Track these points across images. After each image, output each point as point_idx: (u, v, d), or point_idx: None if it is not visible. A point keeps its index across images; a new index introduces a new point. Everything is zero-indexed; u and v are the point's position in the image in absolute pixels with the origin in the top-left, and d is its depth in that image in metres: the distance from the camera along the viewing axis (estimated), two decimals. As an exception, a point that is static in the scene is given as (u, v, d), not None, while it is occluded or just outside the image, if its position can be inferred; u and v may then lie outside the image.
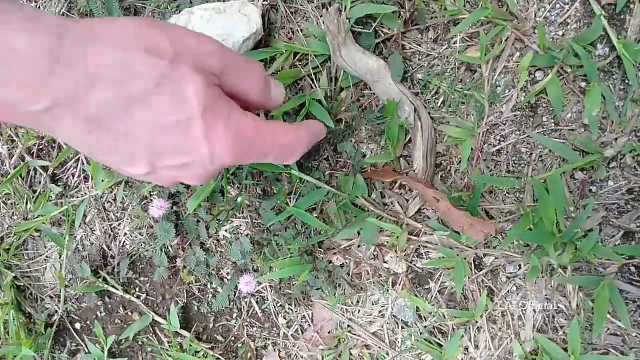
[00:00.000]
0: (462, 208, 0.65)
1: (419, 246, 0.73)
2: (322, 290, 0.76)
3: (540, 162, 0.69)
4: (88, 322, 0.91)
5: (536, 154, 0.69)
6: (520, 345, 0.70)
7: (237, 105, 0.35)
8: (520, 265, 0.70)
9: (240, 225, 0.80)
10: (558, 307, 0.69)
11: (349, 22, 0.69)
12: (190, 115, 0.30)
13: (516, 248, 0.70)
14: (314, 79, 0.74)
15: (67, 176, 0.87)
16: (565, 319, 0.69)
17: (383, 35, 0.72)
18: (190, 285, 0.84)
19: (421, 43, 0.72)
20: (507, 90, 0.69)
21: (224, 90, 0.34)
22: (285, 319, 0.80)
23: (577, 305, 0.68)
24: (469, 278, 0.71)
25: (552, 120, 0.68)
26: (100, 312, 0.89)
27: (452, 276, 0.71)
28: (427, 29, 0.72)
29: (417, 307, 0.73)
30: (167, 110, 0.29)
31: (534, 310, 0.70)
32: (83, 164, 0.85)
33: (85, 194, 0.86)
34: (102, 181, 0.80)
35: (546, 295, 0.70)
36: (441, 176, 0.72)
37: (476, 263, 0.72)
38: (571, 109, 0.67)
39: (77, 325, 0.92)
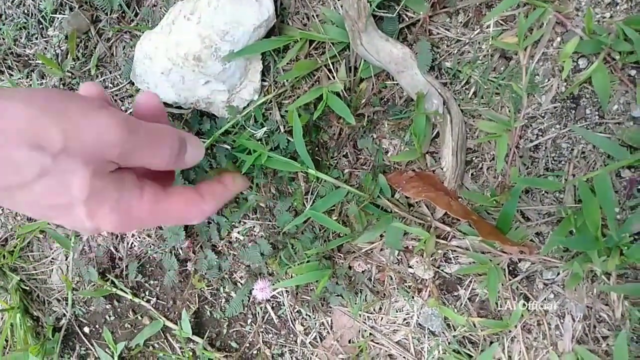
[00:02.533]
0: (493, 219, 0.60)
1: (448, 250, 0.67)
2: (342, 297, 0.71)
3: (582, 159, 0.63)
4: (97, 326, 0.88)
5: (578, 149, 0.63)
6: (558, 356, 0.64)
7: (134, 182, 0.35)
8: (558, 272, 0.65)
9: (254, 227, 0.75)
10: (600, 316, 0.64)
11: (370, 5, 0.62)
12: (72, 202, 0.31)
13: (555, 253, 0.64)
14: (332, 69, 0.68)
15: (70, 175, 0.82)
16: (608, 329, 0.63)
17: (407, 19, 0.66)
18: (202, 290, 0.79)
19: (450, 27, 0.65)
20: (547, 80, 0.63)
21: (124, 166, 0.34)
22: (303, 325, 0.75)
23: (622, 315, 0.62)
24: (502, 285, 0.65)
25: (597, 113, 0.62)
26: (109, 316, 0.86)
27: (484, 283, 0.66)
28: (456, 11, 0.65)
29: (445, 316, 0.68)
30: (49, 196, 0.31)
31: (573, 319, 0.64)
32: (86, 162, 0.80)
33: (90, 194, 0.81)
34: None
35: (587, 303, 0.64)
36: (472, 174, 0.66)
37: (510, 268, 0.66)
38: (618, 100, 0.60)
39: (86, 329, 0.88)
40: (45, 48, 0.80)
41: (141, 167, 0.36)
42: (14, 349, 0.88)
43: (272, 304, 0.77)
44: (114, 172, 0.33)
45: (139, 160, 0.34)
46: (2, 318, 0.91)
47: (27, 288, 0.90)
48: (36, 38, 0.81)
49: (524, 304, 0.64)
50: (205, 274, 0.78)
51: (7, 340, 0.90)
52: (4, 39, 0.82)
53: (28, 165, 0.29)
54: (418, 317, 0.69)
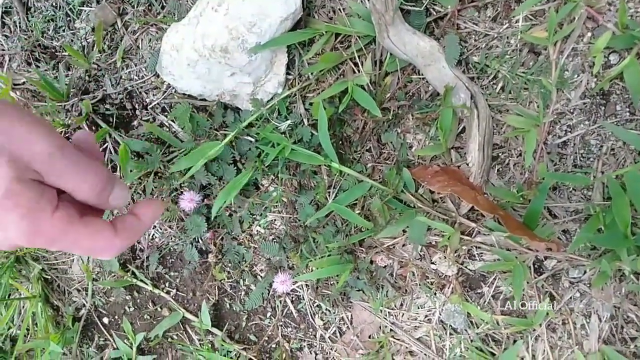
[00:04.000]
0: (519, 215, 0.59)
1: (472, 247, 0.66)
2: (363, 292, 0.71)
3: (611, 156, 0.62)
4: (116, 317, 0.88)
5: (607, 146, 0.62)
6: (584, 356, 0.63)
7: (52, 199, 0.36)
8: (585, 270, 0.64)
9: (275, 220, 0.75)
10: (628, 317, 0.63)
11: (398, -1, 0.62)
12: None
13: (581, 251, 0.63)
14: (357, 63, 0.68)
15: (94, 166, 0.83)
16: (637, 330, 0.62)
17: (435, 13, 0.65)
18: (222, 282, 0.79)
19: (478, 22, 0.65)
20: (576, 75, 0.62)
21: (48, 183, 0.36)
22: (322, 320, 0.75)
23: (651, 316, 0.61)
24: (527, 282, 0.64)
25: (627, 109, 0.61)
26: (129, 307, 0.86)
27: (508, 280, 0.65)
28: (485, 6, 0.64)
29: (468, 313, 0.67)
30: None
31: (600, 319, 0.63)
32: (111, 152, 0.81)
33: (113, 184, 0.82)
34: (131, 171, 0.76)
35: (614, 303, 0.63)
36: (498, 170, 0.66)
37: (536, 266, 0.65)
38: (650, 96, 0.59)
39: (105, 320, 0.89)
40: (72, 40, 0.81)
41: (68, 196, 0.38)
42: (35, 337, 0.89)
43: (292, 297, 0.77)
44: (36, 183, 0.35)
45: (63, 182, 0.36)
46: (23, 307, 0.92)
47: (48, 277, 0.91)
48: (63, 30, 0.82)
49: (549, 303, 0.63)
50: (226, 266, 0.78)
51: (27, 330, 0.91)
52: (32, 32, 0.83)
53: None
54: (440, 314, 0.68)
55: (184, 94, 0.76)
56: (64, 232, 0.36)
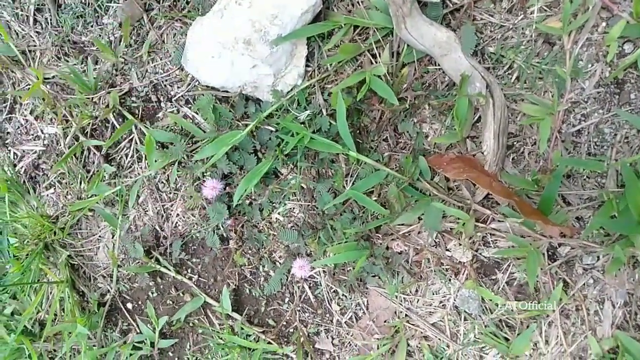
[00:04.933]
0: (534, 203, 0.60)
1: (486, 234, 0.68)
2: (379, 278, 0.73)
3: (625, 144, 0.63)
4: (139, 303, 0.91)
5: (621, 134, 0.63)
6: (597, 342, 0.64)
7: None
8: (598, 257, 0.65)
9: (294, 208, 0.78)
10: (641, 303, 0.64)
11: (415, -9, 0.64)
12: None
13: (595, 237, 0.64)
14: (375, 54, 0.70)
15: (120, 156, 0.86)
16: (650, 316, 0.63)
17: (451, 5, 0.67)
18: (242, 268, 0.82)
19: (493, 13, 0.66)
20: (590, 65, 0.63)
21: None
22: (339, 305, 0.77)
23: (665, 302, 0.62)
24: (541, 269, 0.65)
25: (642, 98, 0.62)
26: (152, 293, 0.89)
27: (522, 266, 0.66)
28: (500, -2, 0.66)
29: (482, 298, 0.68)
30: None
31: (613, 306, 0.64)
32: (136, 143, 0.84)
33: (138, 174, 0.85)
34: (156, 161, 0.79)
35: (628, 289, 0.64)
36: (512, 158, 0.67)
37: (549, 253, 0.66)
38: (665, 85, 0.60)
39: (129, 305, 0.92)
40: (100, 35, 0.85)
41: None
42: (62, 321, 0.92)
43: (310, 283, 0.79)
44: None
45: None
46: (51, 292, 0.96)
47: (75, 264, 0.95)
48: (92, 26, 0.85)
49: (563, 289, 0.64)
50: (246, 252, 0.80)
51: (55, 314, 0.95)
52: (62, 27, 0.87)
53: None
54: (455, 300, 0.70)
55: (206, 86, 0.79)
56: None
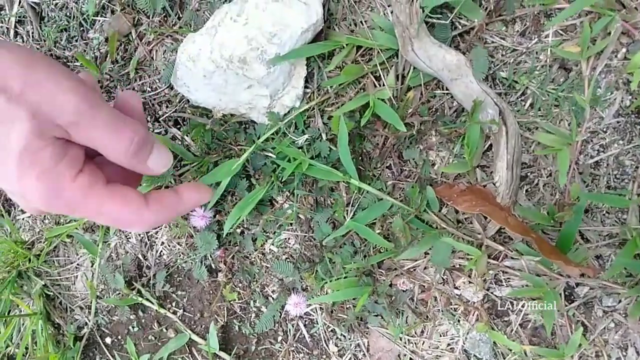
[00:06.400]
0: (550, 239, 0.56)
1: (499, 271, 0.63)
2: (382, 317, 0.67)
3: (648, 177, 0.58)
4: (119, 337, 0.84)
5: (643, 167, 0.59)
6: (619, 392, 0.59)
7: (75, 161, 0.34)
8: (620, 299, 0.60)
9: (289, 239, 0.72)
10: (667, 350, 0.59)
11: (423, 11, 0.60)
12: (9, 150, 0.31)
13: (616, 277, 0.59)
14: (378, 77, 0.66)
15: (102, 179, 0.80)
16: (677, 365, 0.58)
17: (460, 27, 0.63)
18: (231, 303, 0.76)
19: (505, 36, 0.62)
20: (609, 93, 0.59)
21: (75, 142, 0.34)
22: (337, 346, 0.71)
23: (693, 350, 0.57)
24: (557, 310, 0.60)
25: (665, 128, 0.58)
26: (133, 327, 0.82)
27: (537, 308, 0.61)
28: (513, 20, 0.62)
29: (494, 342, 0.63)
30: None
31: (637, 353, 0.59)
32: (120, 166, 0.78)
33: (121, 198, 0.79)
34: (141, 184, 0.73)
35: (652, 335, 0.59)
36: (526, 190, 0.63)
37: (566, 293, 0.61)
38: (689, 115, 0.57)
39: (108, 340, 0.85)
40: (85, 50, 0.80)
41: (101, 157, 0.35)
42: (34, 356, 0.85)
43: (305, 321, 0.73)
44: (60, 142, 0.32)
45: (92, 139, 0.33)
46: (23, 324, 0.89)
47: (50, 294, 0.88)
48: (76, 40, 0.80)
49: (583, 333, 0.59)
50: (236, 286, 0.74)
51: (26, 348, 0.87)
52: (44, 41, 0.81)
53: None
54: (464, 343, 0.64)
55: (197, 107, 0.73)
56: (84, 198, 0.33)
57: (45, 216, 0.86)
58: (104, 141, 0.33)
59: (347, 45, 0.65)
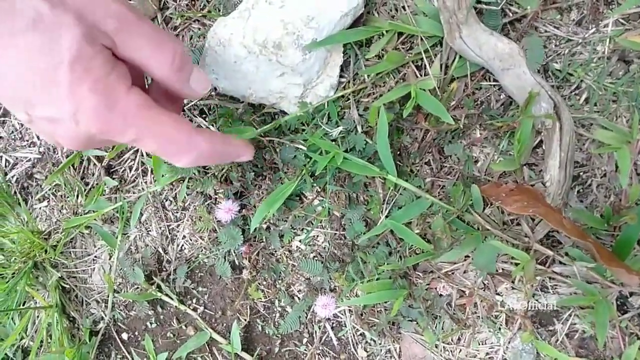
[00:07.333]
0: (603, 244, 0.51)
1: (545, 278, 0.59)
2: (417, 322, 0.63)
3: None
4: (136, 333, 0.81)
5: None
6: (676, 412, 0.54)
7: (125, 74, 0.32)
8: (679, 311, 0.55)
9: (318, 236, 0.68)
10: None
11: (472, -4, 0.56)
12: (58, 61, 0.29)
13: (676, 288, 0.55)
14: (420, 66, 0.62)
15: (123, 168, 0.77)
16: None
17: (511, 14, 0.59)
18: (255, 302, 0.72)
19: (560, 25, 0.58)
20: (674, 87, 0.54)
21: (119, 55, 0.32)
22: (366, 351, 0.67)
23: None
24: (609, 321, 0.56)
25: None
26: (151, 323, 0.79)
27: (587, 317, 0.57)
28: (569, 7, 0.58)
29: (537, 353, 0.59)
30: (37, 51, 0.29)
31: (696, 369, 0.55)
32: (142, 155, 0.75)
33: (143, 189, 0.76)
34: (163, 176, 0.70)
35: None
36: (578, 191, 0.58)
37: (619, 303, 0.57)
38: None
39: (124, 336, 0.82)
40: (109, 34, 0.77)
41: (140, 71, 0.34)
42: (49, 350, 0.82)
43: (333, 323, 0.69)
44: (108, 51, 0.31)
45: (139, 49, 0.32)
46: (38, 316, 0.86)
47: (67, 286, 0.85)
48: (100, 24, 0.77)
49: (639, 347, 0.54)
50: (260, 284, 0.71)
51: (41, 342, 0.85)
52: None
53: (26, 8, 0.27)
54: (505, 352, 0.60)
55: (225, 95, 0.70)
56: (139, 111, 0.31)
57: (63, 206, 0.83)
58: (149, 52, 0.32)
59: (387, 31, 0.61)
